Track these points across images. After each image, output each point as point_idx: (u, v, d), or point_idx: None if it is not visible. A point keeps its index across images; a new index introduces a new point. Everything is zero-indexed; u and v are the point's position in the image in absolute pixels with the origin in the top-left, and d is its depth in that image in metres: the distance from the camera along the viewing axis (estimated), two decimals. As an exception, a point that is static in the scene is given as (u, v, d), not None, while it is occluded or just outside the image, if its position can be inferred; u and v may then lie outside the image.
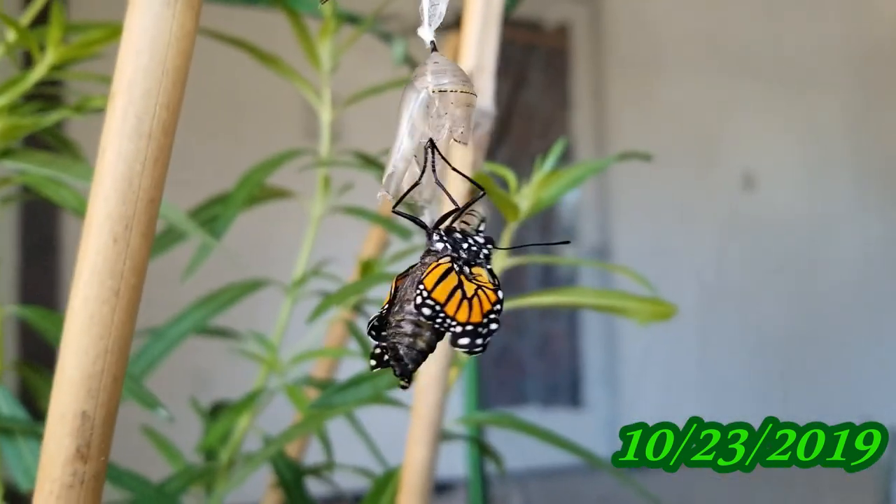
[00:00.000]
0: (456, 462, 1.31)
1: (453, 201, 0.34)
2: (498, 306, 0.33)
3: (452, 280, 0.34)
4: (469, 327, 0.33)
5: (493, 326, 0.34)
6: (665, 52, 3.51)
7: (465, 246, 0.34)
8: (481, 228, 0.35)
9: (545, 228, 3.39)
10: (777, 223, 3.68)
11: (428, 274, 0.33)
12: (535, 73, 3.38)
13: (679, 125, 3.50)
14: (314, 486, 0.83)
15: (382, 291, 0.81)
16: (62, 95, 0.85)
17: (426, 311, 0.33)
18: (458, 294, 0.33)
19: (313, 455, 0.97)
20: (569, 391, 3.43)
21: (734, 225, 3.61)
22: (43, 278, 2.28)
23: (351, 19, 1.10)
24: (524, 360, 3.39)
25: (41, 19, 0.77)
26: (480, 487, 1.22)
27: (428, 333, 0.34)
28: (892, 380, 3.80)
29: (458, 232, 0.34)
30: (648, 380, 3.41)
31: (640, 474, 0.82)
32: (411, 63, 1.14)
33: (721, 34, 3.63)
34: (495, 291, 0.33)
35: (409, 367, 0.34)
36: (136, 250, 0.35)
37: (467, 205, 0.34)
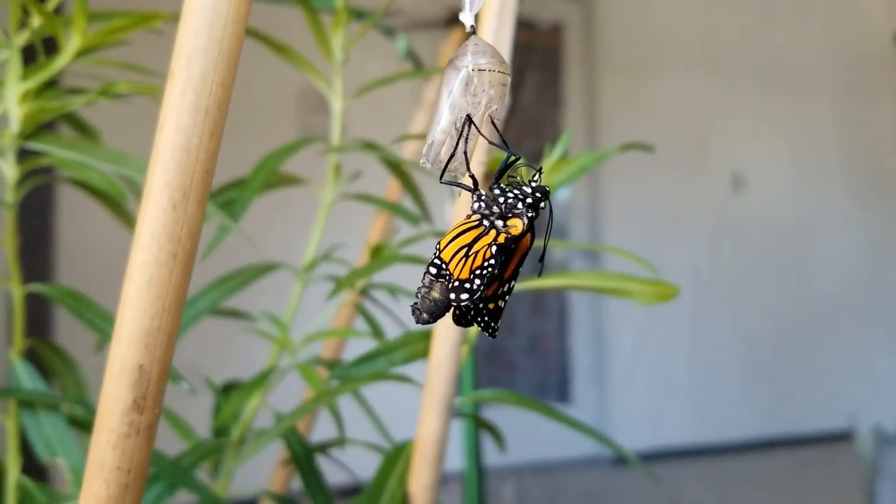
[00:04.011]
0: (451, 455, 1.34)
1: (473, 178, 0.37)
2: (490, 262, 0.36)
3: (467, 238, 0.37)
4: (456, 283, 0.36)
5: (477, 283, 0.36)
6: (657, 52, 3.55)
7: (501, 200, 0.37)
8: (535, 178, 0.38)
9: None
10: (766, 223, 3.72)
11: (449, 233, 0.37)
12: (529, 71, 3.41)
13: (670, 125, 3.53)
14: (332, 475, 0.85)
15: (391, 274, 0.84)
16: (62, 80, 0.87)
17: (432, 269, 0.37)
18: (462, 252, 0.36)
19: (319, 435, 0.99)
20: (558, 388, 3.47)
21: (723, 225, 3.64)
22: (39, 265, 2.30)
23: (357, 14, 1.13)
24: (514, 356, 3.42)
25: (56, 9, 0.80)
26: (476, 478, 1.24)
27: (440, 286, 0.37)
28: (879, 379, 3.85)
29: (500, 186, 0.37)
30: (636, 377, 3.45)
31: (631, 468, 0.85)
32: (413, 58, 1.16)
33: (713, 36, 3.67)
34: (500, 248, 0.36)
35: (425, 316, 0.37)
36: (192, 217, 0.38)
37: (504, 170, 0.37)
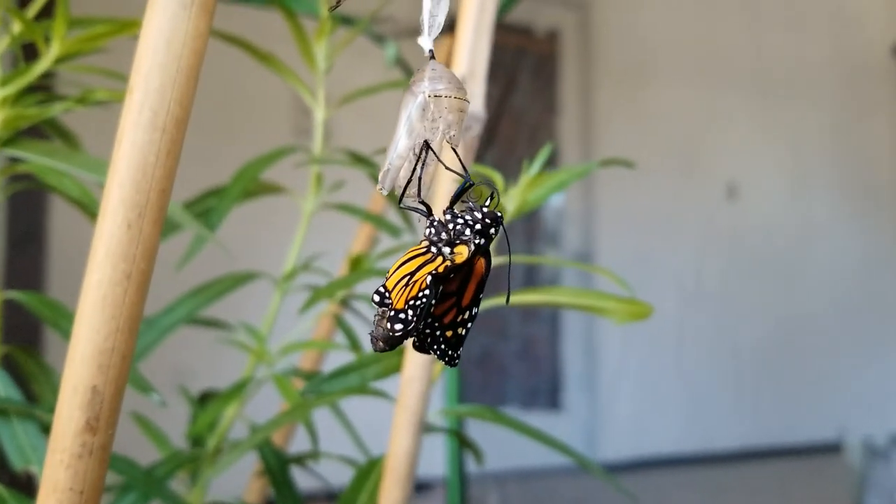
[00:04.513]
0: (435, 461, 1.33)
1: (424, 203, 0.36)
2: (424, 292, 0.35)
3: (411, 266, 0.36)
4: (392, 313, 0.35)
5: (410, 314, 0.35)
6: (652, 60, 3.55)
7: (450, 227, 0.36)
8: (486, 203, 0.37)
9: (530, 233, 3.42)
10: (758, 233, 3.72)
11: (398, 260, 0.36)
12: (524, 77, 3.41)
13: (664, 133, 3.53)
14: (304, 482, 0.85)
15: (371, 287, 0.84)
16: (53, 86, 0.87)
17: (375, 297, 0.36)
18: (404, 280, 0.36)
19: (297, 448, 0.99)
20: (548, 394, 3.46)
21: (716, 234, 3.64)
22: (29, 267, 2.29)
23: (345, 21, 1.13)
24: (505, 362, 3.42)
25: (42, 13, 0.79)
26: (459, 487, 1.24)
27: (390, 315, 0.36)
28: (868, 391, 3.84)
29: (451, 213, 0.36)
30: (626, 385, 3.45)
31: (619, 477, 0.84)
32: (403, 65, 1.16)
33: (708, 45, 3.67)
34: (435, 278, 0.35)
35: (381, 344, 0.36)
36: (147, 236, 0.37)
37: (458, 195, 0.37)
